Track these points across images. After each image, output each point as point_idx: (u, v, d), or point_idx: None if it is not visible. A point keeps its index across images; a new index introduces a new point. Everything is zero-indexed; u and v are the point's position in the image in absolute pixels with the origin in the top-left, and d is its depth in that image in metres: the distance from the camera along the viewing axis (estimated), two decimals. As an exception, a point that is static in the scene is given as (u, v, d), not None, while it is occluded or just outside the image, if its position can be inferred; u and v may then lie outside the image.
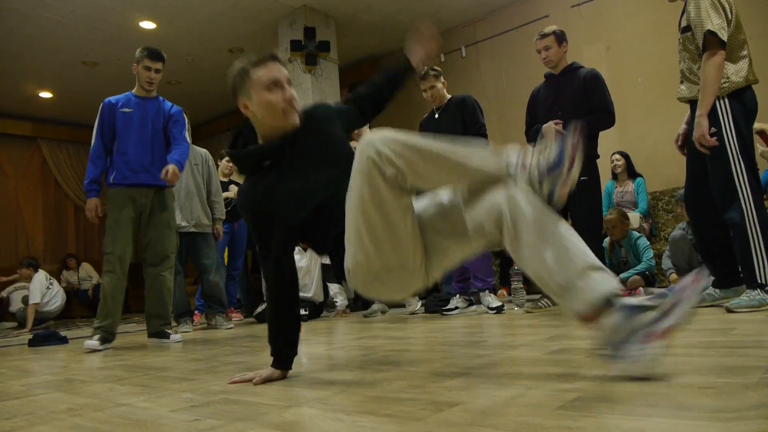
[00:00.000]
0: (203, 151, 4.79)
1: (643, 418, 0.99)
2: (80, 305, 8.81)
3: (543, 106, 3.75)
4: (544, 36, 3.67)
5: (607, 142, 4.86)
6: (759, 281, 2.64)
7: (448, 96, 4.23)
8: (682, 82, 2.98)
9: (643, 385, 1.25)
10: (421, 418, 1.12)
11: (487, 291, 4.01)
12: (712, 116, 2.76)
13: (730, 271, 2.96)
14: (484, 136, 3.97)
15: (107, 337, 3.28)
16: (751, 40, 2.95)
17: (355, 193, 1.47)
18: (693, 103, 2.92)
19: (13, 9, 6.21)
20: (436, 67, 4.23)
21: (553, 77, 3.75)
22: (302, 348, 2.80)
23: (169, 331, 3.55)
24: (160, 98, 3.66)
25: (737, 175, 2.71)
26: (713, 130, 2.75)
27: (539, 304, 3.75)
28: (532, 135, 3.73)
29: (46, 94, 8.74)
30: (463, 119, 4.04)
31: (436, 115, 4.20)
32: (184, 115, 3.71)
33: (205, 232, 4.65)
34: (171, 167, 3.39)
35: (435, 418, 1.11)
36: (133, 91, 3.61)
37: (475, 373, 1.57)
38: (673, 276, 4.42)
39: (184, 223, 4.49)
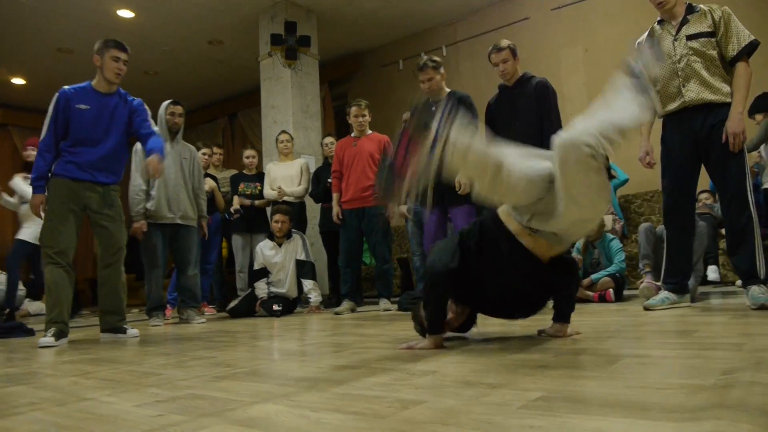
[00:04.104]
0: (191, 147, 4.77)
1: (602, 417, 1.01)
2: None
3: (500, 118, 3.81)
4: (500, 50, 3.78)
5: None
6: (760, 277, 2.88)
7: (447, 90, 4.09)
8: (683, 86, 3.04)
9: (605, 385, 1.28)
10: (386, 416, 1.13)
11: None
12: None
13: (686, 279, 3.19)
14: None
15: (62, 329, 3.18)
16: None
17: None
18: (699, 108, 3.02)
19: (-14, -7, 6.07)
20: (435, 58, 4.04)
21: (508, 89, 3.85)
22: (274, 343, 2.79)
23: (125, 326, 3.46)
24: (121, 91, 3.51)
25: (748, 183, 2.95)
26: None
27: None
28: None
29: (18, 81, 8.57)
30: None
31: (433, 108, 4.08)
32: (145, 107, 3.58)
33: (190, 225, 4.59)
34: (155, 157, 3.27)
35: (400, 416, 1.12)
36: (93, 83, 3.42)
37: (442, 371, 1.58)
38: (647, 266, 4.47)
39: (170, 215, 4.44)
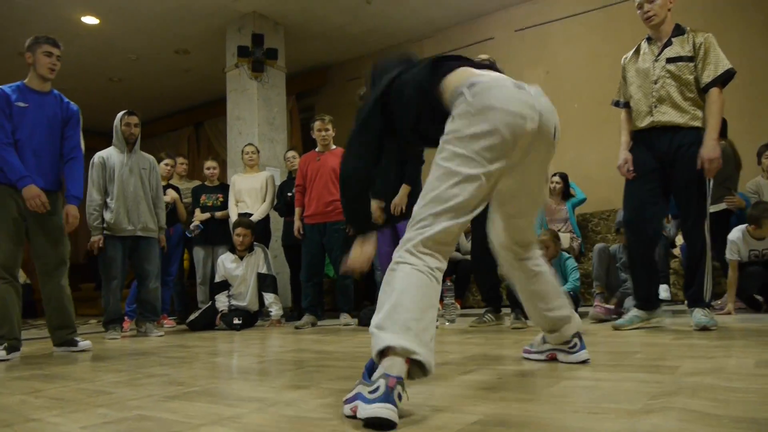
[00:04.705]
0: (150, 157, 4.70)
1: (530, 443, 1.07)
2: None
3: None
4: None
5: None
6: (705, 301, 3.00)
7: None
8: (655, 107, 3.12)
9: (540, 409, 1.34)
10: (327, 439, 1.17)
11: None
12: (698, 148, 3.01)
13: (654, 296, 3.24)
14: (420, 155, 4.13)
15: (13, 344, 3.12)
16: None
17: None
18: (666, 129, 3.10)
19: (-56, -5, 5.94)
20: None
21: None
22: (230, 360, 2.80)
23: (76, 338, 3.39)
24: (55, 92, 3.42)
25: (707, 210, 3.04)
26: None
27: (483, 319, 3.89)
28: None
29: (-23, 84, 8.38)
30: None
31: None
32: (80, 116, 3.50)
33: (151, 237, 4.53)
34: (71, 211, 3.27)
35: (340, 439, 1.16)
36: (26, 81, 3.32)
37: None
38: (599, 288, 4.61)
39: (129, 227, 4.39)
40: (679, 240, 4.92)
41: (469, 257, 5.54)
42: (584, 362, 1.96)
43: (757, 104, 5.39)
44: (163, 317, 5.41)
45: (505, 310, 4.07)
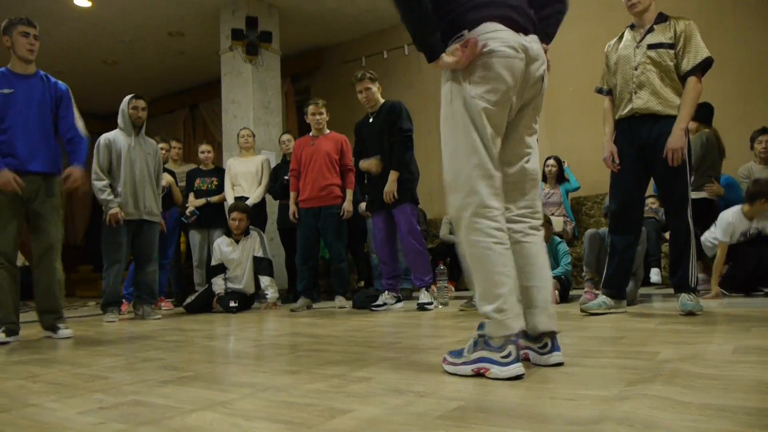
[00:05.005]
0: (153, 142, 4.72)
1: (506, 429, 1.12)
2: None
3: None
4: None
5: (539, 147, 5.07)
6: (691, 286, 3.05)
7: (382, 101, 4.36)
8: (635, 93, 3.15)
9: (520, 395, 1.39)
10: (313, 425, 1.21)
11: (424, 288, 4.19)
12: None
13: (624, 286, 3.34)
14: (406, 141, 4.22)
15: (11, 328, 3.16)
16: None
17: None
18: (646, 117, 3.13)
19: (-65, -24, 5.89)
20: (371, 71, 4.41)
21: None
22: (224, 344, 2.85)
23: (60, 325, 3.37)
24: (41, 72, 3.38)
25: (689, 197, 3.08)
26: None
27: (472, 302, 3.95)
28: None
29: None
30: (392, 124, 4.19)
31: (371, 120, 4.36)
32: (71, 95, 3.48)
33: (154, 221, 4.57)
34: (75, 172, 3.25)
35: (325, 425, 1.21)
36: (9, 66, 3.29)
37: (377, 378, 1.68)
38: (589, 274, 4.67)
39: (135, 212, 4.42)
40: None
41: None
42: (557, 365, 1.73)
43: (751, 89, 5.41)
44: (161, 300, 5.47)
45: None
